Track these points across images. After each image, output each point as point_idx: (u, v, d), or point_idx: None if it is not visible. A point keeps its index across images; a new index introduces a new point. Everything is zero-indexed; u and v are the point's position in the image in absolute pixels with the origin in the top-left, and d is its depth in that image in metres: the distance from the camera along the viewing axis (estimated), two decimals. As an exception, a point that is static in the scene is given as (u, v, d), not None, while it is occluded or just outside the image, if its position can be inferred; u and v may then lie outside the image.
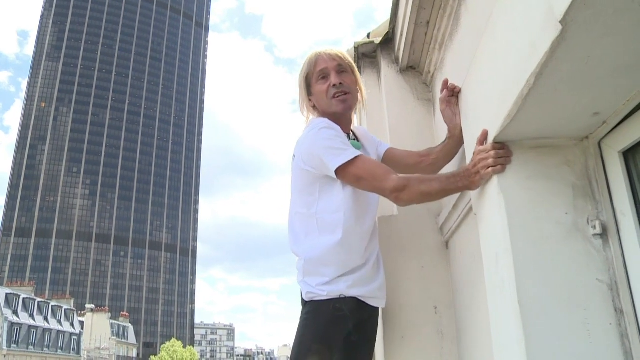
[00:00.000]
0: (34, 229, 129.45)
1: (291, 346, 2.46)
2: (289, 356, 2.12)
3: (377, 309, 2.25)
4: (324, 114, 2.24)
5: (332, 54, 2.24)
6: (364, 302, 2.12)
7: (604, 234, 1.48)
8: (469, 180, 1.76)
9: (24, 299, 53.70)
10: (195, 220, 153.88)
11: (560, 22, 1.07)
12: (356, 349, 2.13)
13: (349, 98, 2.21)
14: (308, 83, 2.27)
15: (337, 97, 2.20)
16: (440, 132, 2.81)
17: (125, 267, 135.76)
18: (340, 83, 2.19)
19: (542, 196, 1.54)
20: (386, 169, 1.99)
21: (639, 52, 1.17)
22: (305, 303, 2.14)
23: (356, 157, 2.00)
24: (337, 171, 2.00)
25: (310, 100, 2.28)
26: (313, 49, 2.32)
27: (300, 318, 2.14)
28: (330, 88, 2.19)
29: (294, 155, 2.23)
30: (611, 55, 1.18)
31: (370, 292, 2.15)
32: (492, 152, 1.60)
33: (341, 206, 2.10)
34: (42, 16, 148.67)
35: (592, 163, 1.54)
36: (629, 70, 1.23)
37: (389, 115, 2.96)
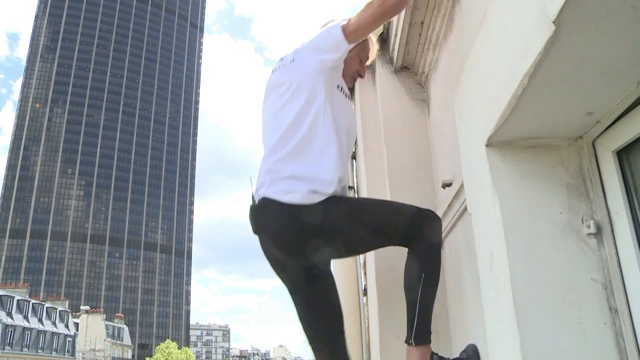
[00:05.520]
0: (29, 230, 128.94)
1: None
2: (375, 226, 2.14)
3: None
4: (343, 67, 2.34)
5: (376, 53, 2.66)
6: None
7: (598, 234, 1.48)
8: None
9: (18, 300, 53.48)
10: (190, 221, 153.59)
11: (553, 22, 1.07)
12: None
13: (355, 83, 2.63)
14: (358, 46, 2.39)
15: (353, 77, 2.49)
16: (435, 133, 2.81)
17: (120, 268, 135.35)
18: (360, 77, 2.53)
19: (537, 196, 1.54)
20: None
21: (632, 52, 1.17)
22: (309, 208, 2.04)
23: None
24: (343, 27, 2.14)
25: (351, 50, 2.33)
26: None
27: (318, 219, 2.05)
28: (356, 71, 2.48)
29: (292, 60, 2.30)
30: (604, 55, 1.18)
31: None
32: None
33: (336, 113, 2.23)
34: (36, 17, 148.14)
35: (586, 162, 1.55)
36: (622, 70, 1.23)
37: (383, 115, 2.96)
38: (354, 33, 2.14)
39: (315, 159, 2.12)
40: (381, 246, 2.35)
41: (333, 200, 2.08)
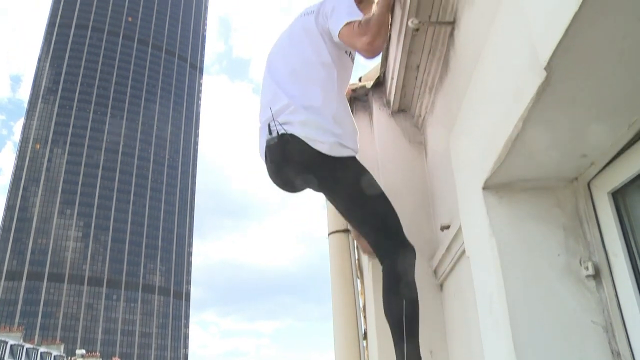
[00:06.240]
0: (25, 272, 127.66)
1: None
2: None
3: None
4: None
5: None
6: None
7: (596, 275, 1.47)
8: None
9: (11, 345, 52.50)
10: (189, 263, 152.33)
11: (544, 68, 1.10)
12: None
13: None
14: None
15: None
16: (433, 175, 2.83)
17: (117, 310, 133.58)
18: None
19: (534, 238, 1.54)
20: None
21: (622, 95, 1.19)
22: (326, 158, 2.27)
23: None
24: (343, 25, 2.30)
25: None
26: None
27: (330, 175, 2.34)
28: None
29: (312, 11, 2.52)
30: (596, 98, 1.20)
31: None
32: None
33: (343, 75, 2.50)
34: (39, 59, 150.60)
35: (582, 204, 1.55)
36: (614, 112, 1.25)
37: (380, 157, 2.98)
38: (342, 37, 2.32)
39: (332, 109, 2.35)
40: (357, 227, 2.53)
41: (351, 163, 2.36)
